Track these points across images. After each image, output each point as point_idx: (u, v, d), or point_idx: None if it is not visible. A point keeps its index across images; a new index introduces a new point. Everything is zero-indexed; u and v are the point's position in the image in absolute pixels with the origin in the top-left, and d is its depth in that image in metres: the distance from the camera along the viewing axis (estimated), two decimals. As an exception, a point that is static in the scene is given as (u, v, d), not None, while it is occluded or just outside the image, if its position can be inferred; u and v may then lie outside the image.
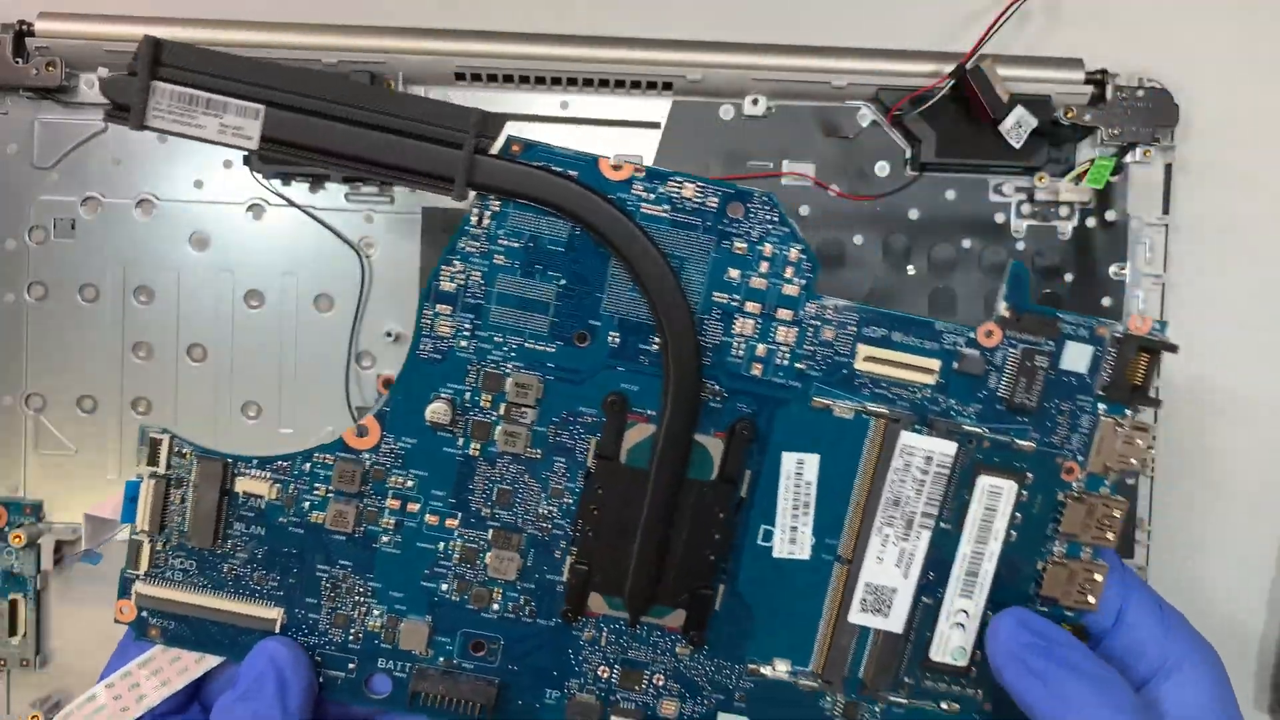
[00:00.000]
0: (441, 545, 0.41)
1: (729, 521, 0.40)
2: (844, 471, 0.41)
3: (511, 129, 0.38)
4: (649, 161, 0.45)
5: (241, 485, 0.40)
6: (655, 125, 0.42)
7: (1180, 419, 0.45)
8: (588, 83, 0.42)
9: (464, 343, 0.40)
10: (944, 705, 0.42)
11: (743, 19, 0.44)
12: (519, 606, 0.41)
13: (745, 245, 0.39)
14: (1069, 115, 0.43)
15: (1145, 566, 0.49)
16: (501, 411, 0.40)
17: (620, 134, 0.42)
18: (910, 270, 0.47)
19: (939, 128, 0.42)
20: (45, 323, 0.43)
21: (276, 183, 0.45)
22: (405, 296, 0.45)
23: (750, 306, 0.40)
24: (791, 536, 0.41)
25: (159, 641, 0.41)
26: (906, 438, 0.40)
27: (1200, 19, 0.46)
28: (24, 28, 0.41)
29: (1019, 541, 0.41)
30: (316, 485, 0.40)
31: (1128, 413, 0.41)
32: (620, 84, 0.42)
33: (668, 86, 0.42)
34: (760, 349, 0.40)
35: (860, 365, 0.40)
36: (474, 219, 0.39)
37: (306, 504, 0.40)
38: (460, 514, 0.41)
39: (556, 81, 0.42)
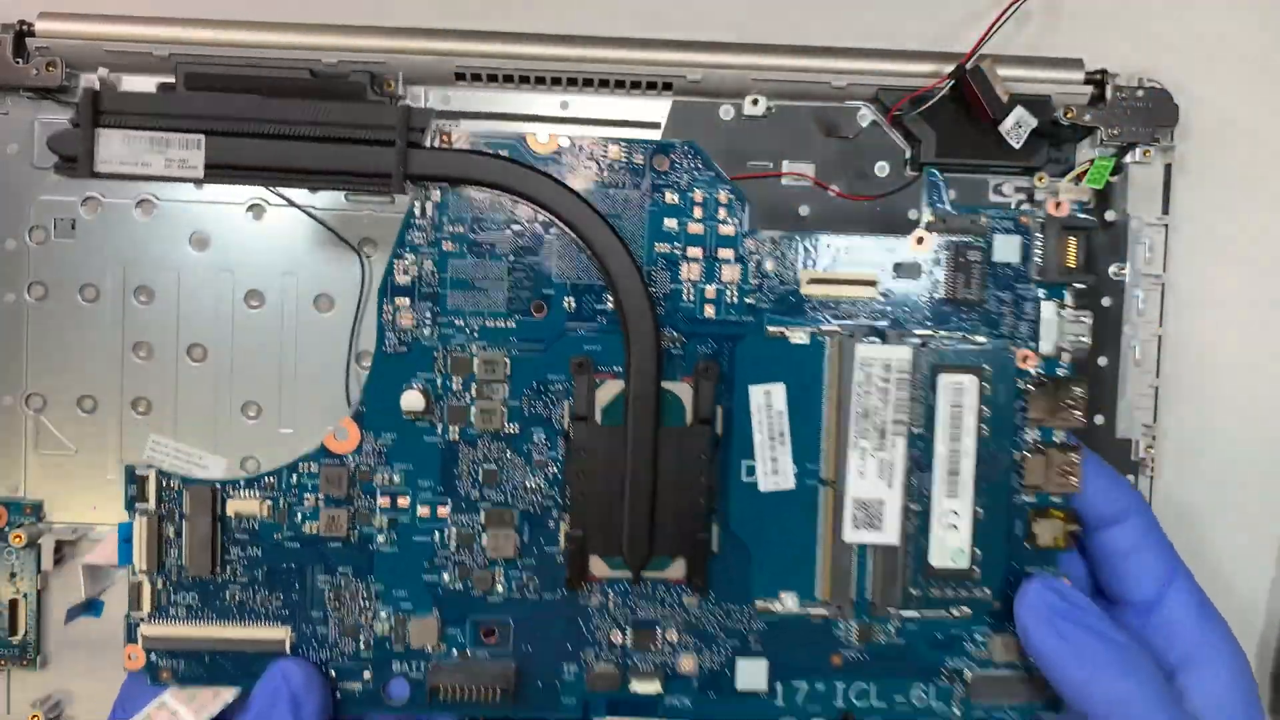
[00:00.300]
0: (437, 535, 0.41)
1: (711, 462, 0.41)
2: (810, 395, 0.42)
3: (471, 127, 0.40)
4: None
5: (233, 507, 0.41)
6: (655, 125, 0.43)
7: (1180, 419, 0.44)
8: (588, 83, 0.42)
9: (427, 331, 0.41)
10: (954, 612, 0.42)
11: (743, 19, 0.45)
12: (523, 585, 0.42)
13: (676, 195, 0.41)
14: (1069, 115, 0.43)
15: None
16: (474, 392, 0.41)
17: (620, 134, 0.42)
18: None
19: (939, 128, 0.42)
20: (45, 323, 0.43)
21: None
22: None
23: (692, 251, 0.42)
24: (773, 468, 0.42)
25: (171, 684, 0.41)
26: (862, 350, 0.42)
27: (1200, 19, 0.46)
28: (24, 28, 0.41)
29: (992, 436, 0.42)
30: (306, 495, 0.41)
31: (1066, 294, 0.42)
32: (620, 84, 0.42)
33: (668, 86, 0.42)
34: (709, 290, 0.42)
35: (805, 289, 0.42)
36: (417, 210, 0.41)
37: (299, 516, 0.41)
38: (450, 501, 0.41)
39: (556, 81, 0.42)
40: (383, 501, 0.41)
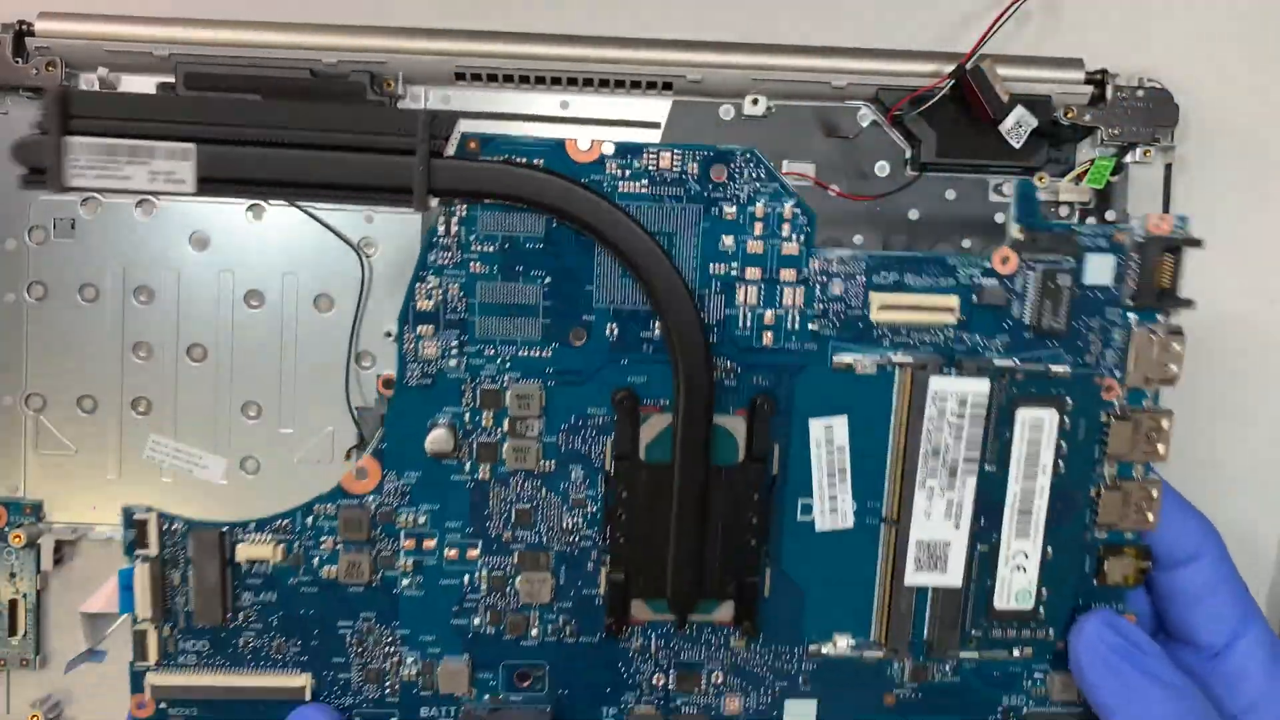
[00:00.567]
0: (466, 578, 0.38)
1: (764, 502, 0.38)
2: (876, 429, 0.38)
3: (467, 125, 0.35)
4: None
5: (243, 553, 0.37)
6: (655, 125, 0.42)
7: (1182, 419, 0.44)
8: (588, 83, 0.41)
9: (453, 362, 0.37)
10: (1016, 652, 0.40)
11: (743, 19, 0.44)
12: (559, 628, 0.39)
13: (735, 209, 0.37)
14: (1069, 115, 0.42)
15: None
16: (506, 428, 0.37)
17: (620, 134, 0.41)
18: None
19: (939, 128, 0.42)
20: (45, 323, 0.42)
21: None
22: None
23: (750, 273, 0.37)
24: (832, 506, 0.39)
25: (183, 731, 0.38)
26: (936, 383, 0.38)
27: (1200, 19, 0.45)
28: (24, 28, 0.40)
29: (1068, 472, 0.39)
30: (323, 539, 0.38)
31: (1159, 318, 0.39)
32: (620, 84, 0.41)
33: (668, 86, 0.41)
34: (768, 316, 0.37)
35: (876, 315, 0.38)
36: (441, 228, 0.36)
37: (316, 560, 0.38)
38: (480, 542, 0.38)
39: (556, 81, 0.41)
40: (407, 544, 0.38)
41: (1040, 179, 0.43)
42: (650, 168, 0.36)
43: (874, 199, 0.42)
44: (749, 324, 0.37)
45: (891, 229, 0.43)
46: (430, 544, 0.38)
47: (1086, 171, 0.42)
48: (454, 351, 0.37)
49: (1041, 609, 0.40)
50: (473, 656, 0.39)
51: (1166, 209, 0.44)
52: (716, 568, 0.38)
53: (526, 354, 0.37)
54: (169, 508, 0.38)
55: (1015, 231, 0.38)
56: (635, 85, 0.41)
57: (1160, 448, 0.39)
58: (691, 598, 0.38)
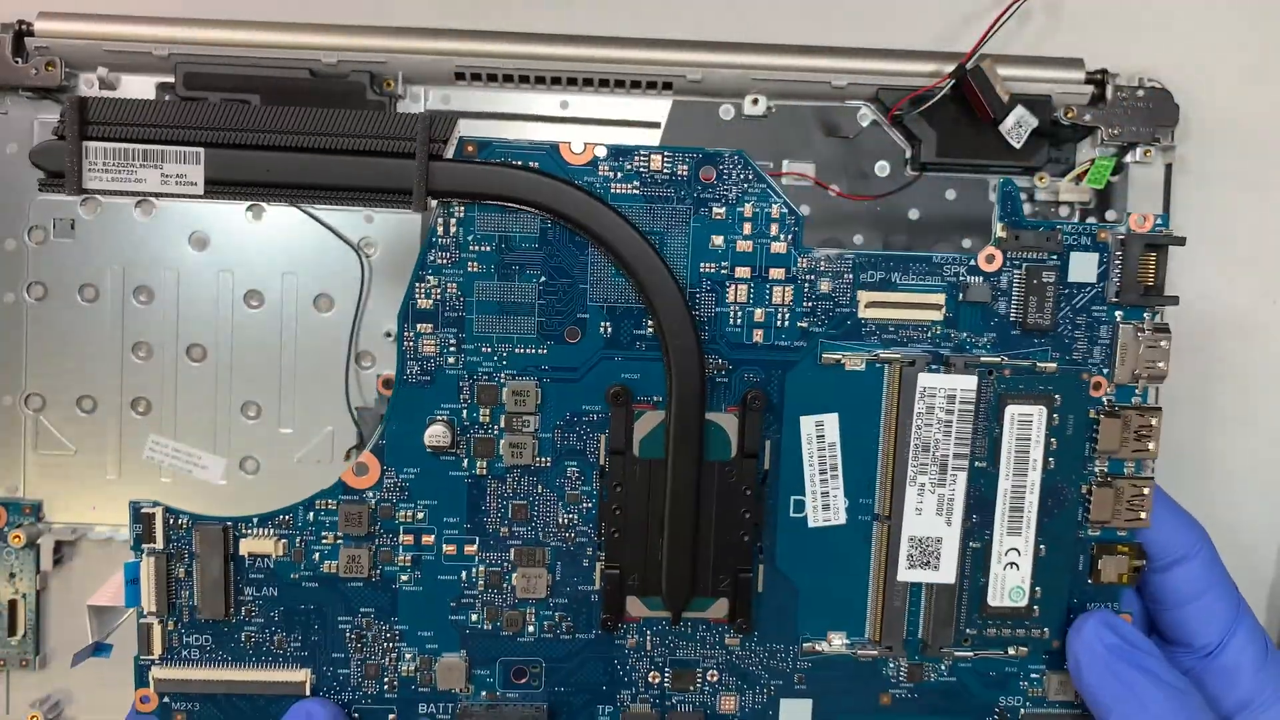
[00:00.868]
0: (464, 574, 0.39)
1: (757, 498, 0.38)
2: (866, 426, 0.39)
3: (466, 128, 0.36)
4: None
5: (246, 547, 0.38)
6: (655, 125, 0.42)
7: (1182, 419, 0.44)
8: (588, 83, 0.42)
9: (451, 359, 0.38)
10: (1011, 651, 0.40)
11: (743, 19, 0.44)
12: (554, 624, 0.39)
13: (724, 209, 0.38)
14: (1069, 115, 0.42)
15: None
16: (502, 424, 0.38)
17: (620, 134, 0.42)
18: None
19: (939, 128, 0.42)
20: (45, 323, 0.42)
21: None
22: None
23: (740, 271, 0.38)
24: (824, 503, 0.39)
25: (185, 727, 0.39)
26: (924, 379, 0.38)
27: (1200, 19, 0.45)
28: (24, 28, 0.41)
29: (1058, 468, 0.39)
30: (324, 534, 0.38)
31: (1146, 315, 0.39)
32: (620, 84, 0.42)
33: (668, 86, 0.42)
34: (758, 314, 0.38)
35: (864, 313, 0.38)
36: (439, 229, 0.37)
37: (316, 555, 0.38)
38: (478, 538, 0.39)
39: (556, 81, 0.42)
40: (406, 539, 0.39)
41: (1040, 179, 0.43)
42: (642, 169, 0.37)
43: (874, 199, 0.43)
44: (739, 321, 0.38)
45: (891, 229, 0.43)
46: (429, 539, 0.39)
47: (1086, 171, 0.43)
48: (452, 349, 0.38)
49: (1036, 607, 0.40)
50: (470, 652, 0.39)
51: (1166, 209, 0.44)
52: (710, 563, 0.39)
53: (522, 351, 0.38)
54: (169, 508, 0.38)
55: (999, 230, 0.38)
56: (635, 85, 0.41)
57: (1151, 445, 0.39)
58: (686, 593, 0.39)
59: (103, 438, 0.43)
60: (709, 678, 0.40)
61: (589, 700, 0.40)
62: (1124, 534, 0.40)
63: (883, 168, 0.43)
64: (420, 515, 0.39)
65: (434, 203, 0.37)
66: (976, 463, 0.39)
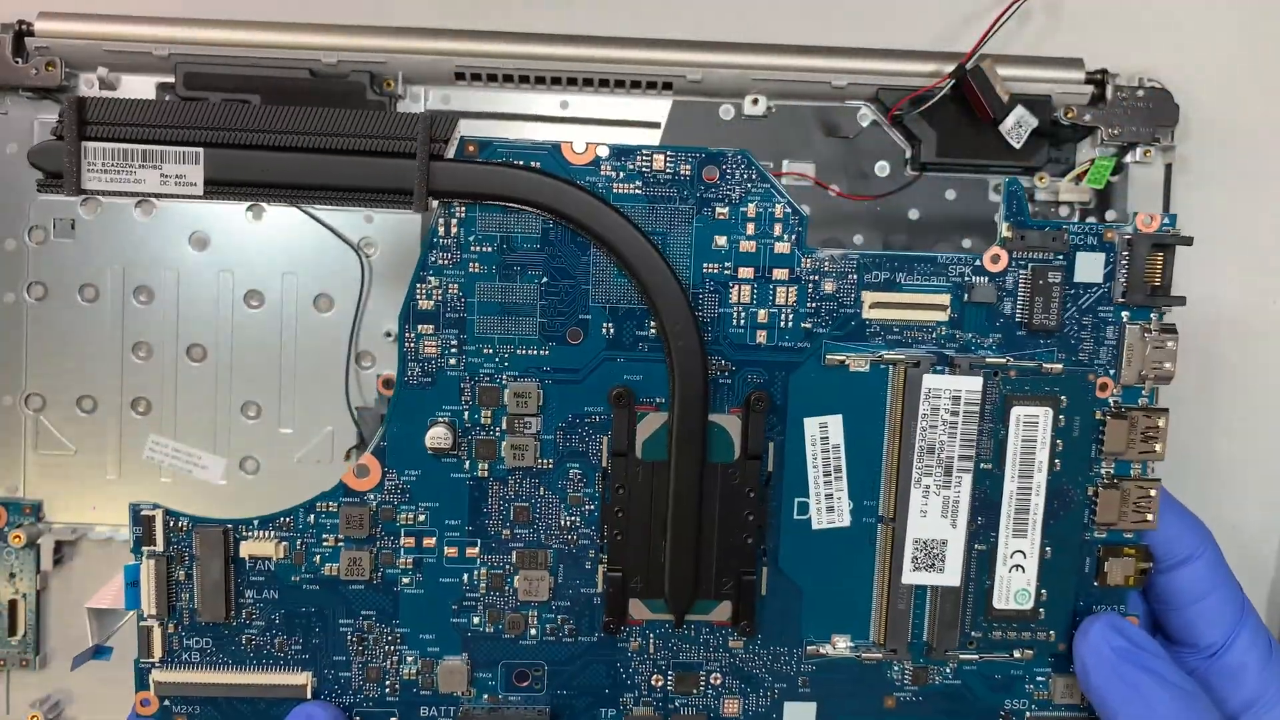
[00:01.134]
0: (465, 577, 0.39)
1: (760, 500, 0.38)
2: (871, 427, 0.39)
3: (466, 128, 0.36)
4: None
5: (246, 549, 0.38)
6: (655, 125, 0.42)
7: (1183, 419, 0.44)
8: (588, 83, 0.42)
9: (453, 360, 0.38)
10: (1016, 654, 0.40)
11: (743, 19, 0.44)
12: (557, 627, 0.39)
13: (727, 209, 0.37)
14: (1069, 115, 0.42)
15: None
16: (504, 426, 0.38)
17: (620, 134, 0.42)
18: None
19: (939, 128, 0.42)
20: (45, 323, 0.42)
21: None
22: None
23: (744, 272, 0.38)
24: (828, 505, 0.39)
25: (186, 730, 0.39)
26: (929, 380, 0.38)
27: (1200, 19, 0.45)
28: (24, 28, 0.41)
29: (1064, 469, 0.39)
30: (325, 536, 0.38)
31: (1152, 316, 0.39)
32: (620, 84, 0.42)
33: (668, 86, 0.42)
34: (761, 314, 0.38)
35: (868, 313, 0.38)
36: (440, 229, 0.37)
37: (317, 557, 0.38)
38: (480, 540, 0.39)
39: (556, 81, 0.42)
40: (407, 541, 0.38)
41: (1040, 179, 0.43)
42: (644, 169, 0.37)
43: (874, 199, 0.43)
44: (743, 322, 0.38)
45: (892, 229, 0.43)
46: (430, 542, 0.38)
47: (1086, 171, 0.42)
48: (453, 350, 0.37)
49: (1041, 610, 0.40)
50: (472, 656, 0.39)
51: (1167, 209, 0.44)
52: (713, 565, 0.38)
53: (524, 353, 0.38)
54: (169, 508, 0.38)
55: (1005, 230, 0.38)
56: (635, 85, 0.41)
57: (1158, 446, 0.39)
58: (689, 596, 0.38)
59: (103, 438, 0.43)
60: (712, 681, 0.40)
61: (591, 703, 0.40)
62: (1130, 536, 0.40)
63: (883, 168, 0.43)
64: (421, 517, 0.38)
65: (435, 203, 0.36)
66: (982, 464, 0.39)
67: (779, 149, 0.43)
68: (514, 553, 0.39)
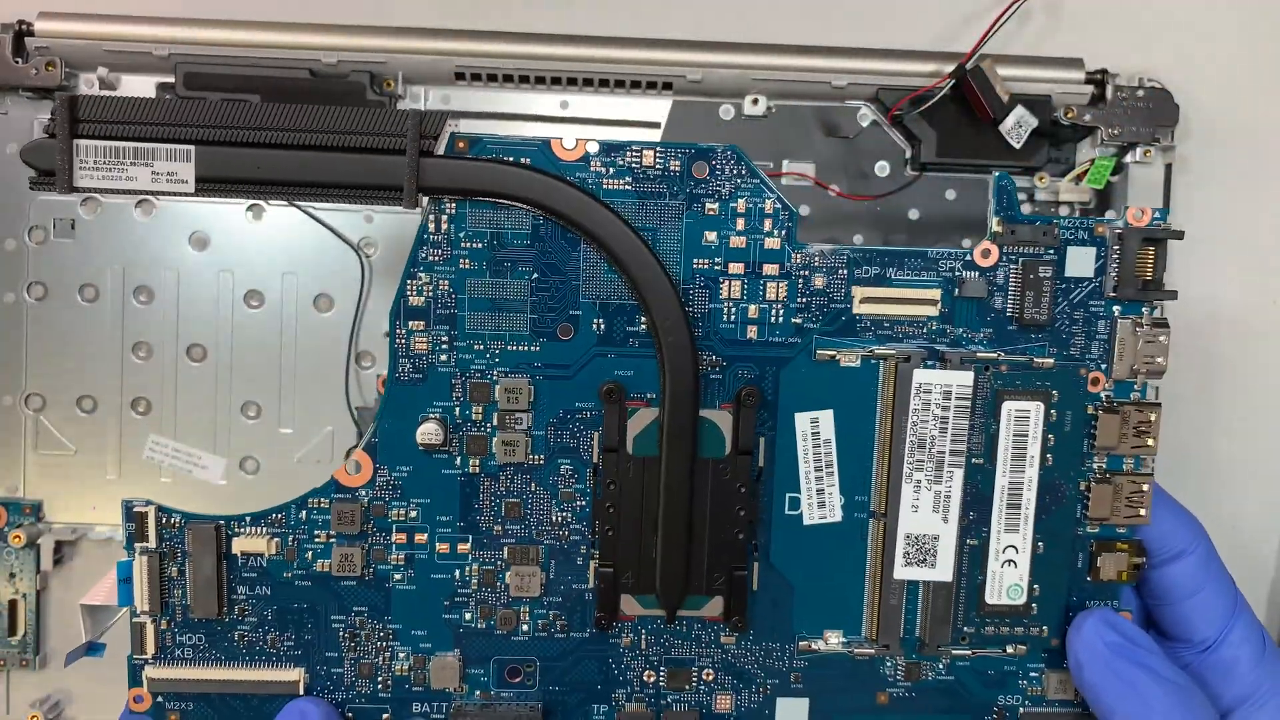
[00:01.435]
0: (457, 573, 0.39)
1: (751, 495, 0.38)
2: (862, 422, 0.39)
3: (466, 128, 0.36)
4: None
5: (239, 545, 0.38)
6: (655, 125, 0.42)
7: (1182, 418, 0.44)
8: (588, 83, 0.42)
9: (443, 356, 0.38)
10: (1009, 649, 0.40)
11: (743, 19, 0.44)
12: (549, 623, 0.39)
13: (717, 205, 0.38)
14: (1069, 115, 0.42)
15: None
16: (495, 421, 0.38)
17: (620, 134, 0.42)
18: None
19: (939, 128, 0.42)
20: (45, 323, 0.43)
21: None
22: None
23: (734, 267, 0.38)
24: (819, 500, 0.39)
25: (179, 727, 0.39)
26: (920, 375, 0.38)
27: (1200, 19, 0.45)
28: (24, 28, 0.41)
29: (1056, 464, 0.39)
30: (316, 532, 0.38)
31: (1144, 310, 0.39)
32: (620, 84, 0.42)
33: (668, 86, 0.42)
34: (752, 310, 0.38)
35: (859, 308, 0.38)
36: (430, 225, 0.37)
37: (309, 554, 0.38)
38: (471, 536, 0.39)
39: (556, 81, 0.42)
40: (399, 538, 0.38)
41: (1040, 179, 0.43)
42: (634, 165, 0.37)
43: (874, 199, 0.43)
44: (733, 318, 0.38)
45: (891, 229, 0.43)
46: (422, 538, 0.38)
47: (1086, 171, 0.42)
48: (444, 346, 0.38)
49: (1034, 605, 0.39)
50: (464, 651, 0.39)
51: (1166, 208, 0.44)
52: (705, 561, 0.38)
53: (515, 348, 0.38)
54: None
55: (995, 225, 0.38)
56: (635, 85, 0.41)
57: (1150, 441, 0.39)
58: (681, 591, 0.38)
59: (103, 438, 0.43)
60: (704, 676, 0.40)
61: (584, 699, 0.40)
62: (1123, 531, 0.40)
63: (883, 168, 0.43)
64: (413, 513, 0.38)
65: (425, 199, 0.36)
66: (973, 459, 0.39)
67: (779, 149, 0.43)
68: (505, 548, 0.39)
